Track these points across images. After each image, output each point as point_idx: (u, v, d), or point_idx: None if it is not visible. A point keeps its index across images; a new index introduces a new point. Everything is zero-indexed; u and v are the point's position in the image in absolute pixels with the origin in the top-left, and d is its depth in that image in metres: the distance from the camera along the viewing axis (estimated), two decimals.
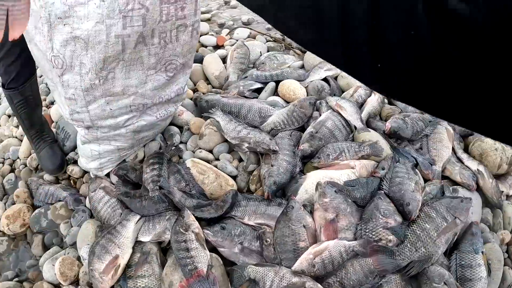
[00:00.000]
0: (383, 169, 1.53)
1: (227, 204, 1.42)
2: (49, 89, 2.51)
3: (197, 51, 2.46)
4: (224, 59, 2.35)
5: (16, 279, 1.63)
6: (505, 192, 1.63)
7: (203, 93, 2.10)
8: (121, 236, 1.41)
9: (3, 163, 2.12)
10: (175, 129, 1.87)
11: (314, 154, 1.60)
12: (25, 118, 1.82)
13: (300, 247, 1.31)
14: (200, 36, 2.65)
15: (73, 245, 1.58)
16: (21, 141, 2.15)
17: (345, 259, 1.24)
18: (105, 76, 1.32)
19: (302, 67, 2.24)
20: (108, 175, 1.74)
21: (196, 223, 1.36)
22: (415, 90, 0.42)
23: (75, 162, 1.91)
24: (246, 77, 2.10)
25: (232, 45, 2.52)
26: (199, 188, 1.55)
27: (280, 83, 1.98)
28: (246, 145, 1.62)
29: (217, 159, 1.72)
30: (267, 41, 2.61)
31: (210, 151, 1.75)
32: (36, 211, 1.75)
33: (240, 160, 1.73)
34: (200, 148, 1.75)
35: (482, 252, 1.34)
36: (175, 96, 1.61)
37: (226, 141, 1.74)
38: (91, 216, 1.66)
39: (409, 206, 1.35)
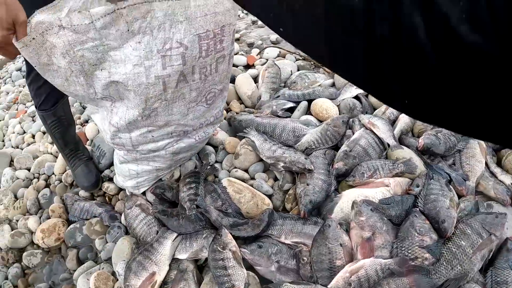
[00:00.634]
0: (417, 186, 1.51)
1: (263, 223, 1.43)
2: (83, 108, 2.62)
3: None
4: (255, 79, 2.38)
5: None
6: None
7: (237, 113, 2.12)
8: (158, 253, 1.44)
9: (38, 178, 2.19)
10: (210, 148, 1.91)
11: (348, 173, 1.60)
12: (59, 138, 1.88)
13: (336, 265, 1.31)
14: None
15: (108, 260, 1.61)
16: (56, 157, 2.24)
17: (381, 278, 1.23)
18: (147, 115, 1.32)
19: (333, 85, 2.25)
20: (144, 193, 1.77)
21: (234, 242, 1.38)
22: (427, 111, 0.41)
23: (110, 180, 1.96)
24: (278, 96, 2.12)
25: (263, 64, 2.56)
26: (236, 207, 1.56)
27: (313, 102, 2.00)
28: (282, 164, 1.63)
29: (253, 178, 1.74)
30: (296, 60, 2.63)
31: (246, 170, 1.77)
32: (71, 226, 1.79)
33: (276, 179, 1.74)
34: (235, 168, 1.78)
35: None
36: (214, 119, 1.63)
37: (261, 160, 1.76)
38: (126, 233, 1.69)
39: (445, 223, 1.34)
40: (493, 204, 1.53)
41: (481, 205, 1.50)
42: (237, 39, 3.16)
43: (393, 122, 1.89)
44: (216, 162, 1.88)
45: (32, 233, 1.84)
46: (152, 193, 1.71)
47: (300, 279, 1.35)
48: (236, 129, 1.94)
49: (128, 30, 1.10)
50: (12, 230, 1.88)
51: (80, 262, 1.69)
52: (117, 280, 1.49)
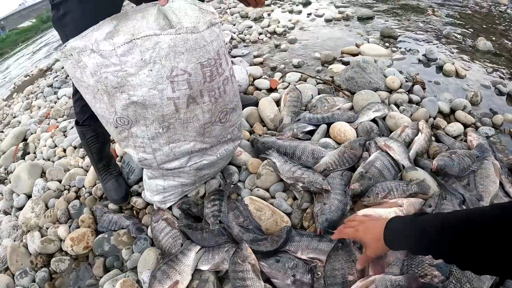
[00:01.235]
0: (429, 206, 1.53)
1: (282, 239, 1.47)
2: None
3: (252, 94, 2.60)
4: (277, 102, 2.44)
5: None
6: None
7: (259, 135, 2.18)
8: (182, 264, 1.48)
9: (69, 190, 2.28)
10: (233, 168, 1.96)
11: (364, 193, 1.62)
12: (95, 152, 1.96)
13: (348, 280, 1.33)
14: (254, 79, 2.80)
15: (133, 269, 1.66)
16: (87, 171, 2.33)
17: None
18: (167, 126, 1.40)
19: (352, 108, 2.30)
20: (170, 208, 1.84)
21: (253, 255, 1.42)
22: None
23: (138, 194, 2.02)
24: (299, 119, 2.17)
25: (285, 88, 2.62)
26: (256, 224, 1.61)
27: (331, 126, 2.05)
28: (301, 184, 1.68)
29: (273, 197, 1.78)
30: (317, 83, 2.69)
31: (267, 190, 1.81)
32: (100, 236, 1.85)
33: (295, 198, 1.77)
34: (257, 187, 1.82)
35: None
36: (231, 136, 1.68)
37: (281, 180, 1.80)
38: (152, 244, 1.73)
39: None
40: None
41: None
42: (261, 63, 3.25)
43: (408, 144, 1.91)
44: (239, 181, 1.93)
45: (61, 240, 1.90)
46: (179, 208, 1.77)
47: None
48: (258, 150, 2.00)
49: (142, 59, 1.22)
50: (42, 236, 1.95)
51: (106, 269, 1.74)
52: (142, 287, 1.54)
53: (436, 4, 4.66)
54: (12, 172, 2.68)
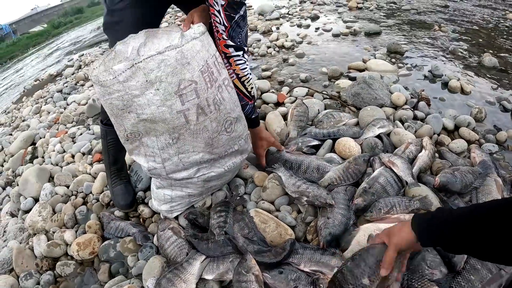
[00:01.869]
0: None
1: (285, 251, 1.48)
2: None
3: (259, 108, 2.62)
4: (284, 116, 2.46)
5: None
6: None
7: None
8: (187, 272, 1.50)
9: (76, 195, 2.31)
10: (240, 181, 1.99)
11: (367, 208, 1.63)
12: (112, 154, 2.00)
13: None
14: (262, 93, 2.82)
15: (138, 276, 1.68)
16: (95, 178, 2.36)
17: None
18: (177, 137, 1.44)
19: (357, 124, 2.32)
20: (177, 217, 1.86)
21: (257, 267, 1.43)
22: None
23: (144, 202, 2.05)
24: (305, 134, 2.19)
25: (292, 102, 2.65)
26: (261, 236, 1.62)
27: (337, 141, 2.06)
28: (305, 198, 1.69)
29: (278, 210, 1.80)
30: (324, 98, 2.71)
31: (272, 203, 1.83)
32: (106, 242, 1.87)
33: (299, 212, 1.78)
34: (263, 200, 1.84)
35: None
36: (239, 147, 1.70)
37: (286, 194, 1.82)
38: (157, 253, 1.75)
39: (455, 258, 1.35)
40: None
41: None
42: (269, 77, 3.28)
43: (412, 160, 1.92)
44: (245, 193, 1.95)
45: (67, 245, 1.93)
46: (185, 218, 1.79)
47: None
48: (268, 160, 2.03)
49: (147, 81, 1.25)
50: (48, 240, 1.98)
51: (111, 275, 1.76)
52: None
53: (442, 19, 4.70)
54: (20, 175, 2.72)
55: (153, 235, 1.85)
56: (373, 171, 1.84)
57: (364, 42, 4.00)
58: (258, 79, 3.25)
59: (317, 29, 4.58)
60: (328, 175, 1.83)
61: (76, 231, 2.02)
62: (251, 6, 6.17)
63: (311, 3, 5.94)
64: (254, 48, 4.14)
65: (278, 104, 2.77)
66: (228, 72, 1.59)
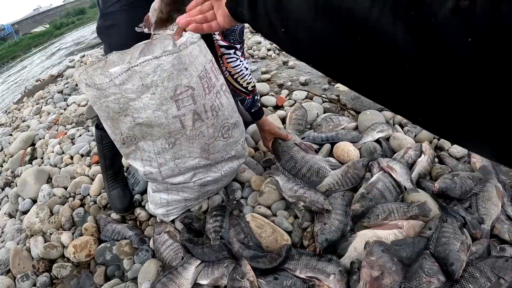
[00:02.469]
0: (430, 229, 1.52)
1: (281, 257, 1.46)
2: None
3: None
4: (283, 120, 2.46)
5: None
6: None
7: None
8: (182, 277, 1.49)
9: (74, 197, 2.31)
10: (237, 185, 1.98)
11: (365, 214, 1.61)
12: (108, 158, 2.01)
13: None
14: (261, 96, 2.83)
15: (134, 279, 1.67)
16: (93, 180, 2.36)
17: None
18: (173, 142, 1.44)
19: (356, 128, 2.31)
20: (173, 221, 1.85)
21: (252, 272, 1.42)
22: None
23: (140, 205, 2.05)
24: (303, 138, 2.18)
25: (291, 105, 2.63)
26: (256, 241, 1.61)
27: (335, 145, 2.05)
28: (302, 203, 1.68)
29: (275, 215, 1.78)
30: (323, 102, 2.70)
31: (269, 207, 1.81)
32: (102, 244, 1.87)
33: (296, 217, 1.76)
34: (259, 204, 1.83)
35: None
36: (236, 153, 1.69)
37: (283, 199, 1.80)
38: (153, 256, 1.75)
39: (453, 266, 1.33)
40: (506, 247, 1.48)
41: (493, 248, 1.47)
42: (268, 80, 3.27)
43: (411, 166, 1.90)
44: (242, 198, 1.95)
45: (64, 247, 1.93)
46: (181, 222, 1.78)
47: None
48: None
49: (142, 85, 1.25)
50: (45, 242, 1.98)
51: (107, 278, 1.76)
52: None
53: None
54: (19, 176, 2.73)
55: (149, 238, 1.85)
56: (372, 176, 1.83)
57: None
58: (258, 81, 3.25)
59: None
60: (326, 181, 1.81)
61: (73, 233, 2.02)
62: None
63: None
64: (254, 51, 4.14)
65: (277, 107, 2.77)
66: (221, 69, 1.59)
